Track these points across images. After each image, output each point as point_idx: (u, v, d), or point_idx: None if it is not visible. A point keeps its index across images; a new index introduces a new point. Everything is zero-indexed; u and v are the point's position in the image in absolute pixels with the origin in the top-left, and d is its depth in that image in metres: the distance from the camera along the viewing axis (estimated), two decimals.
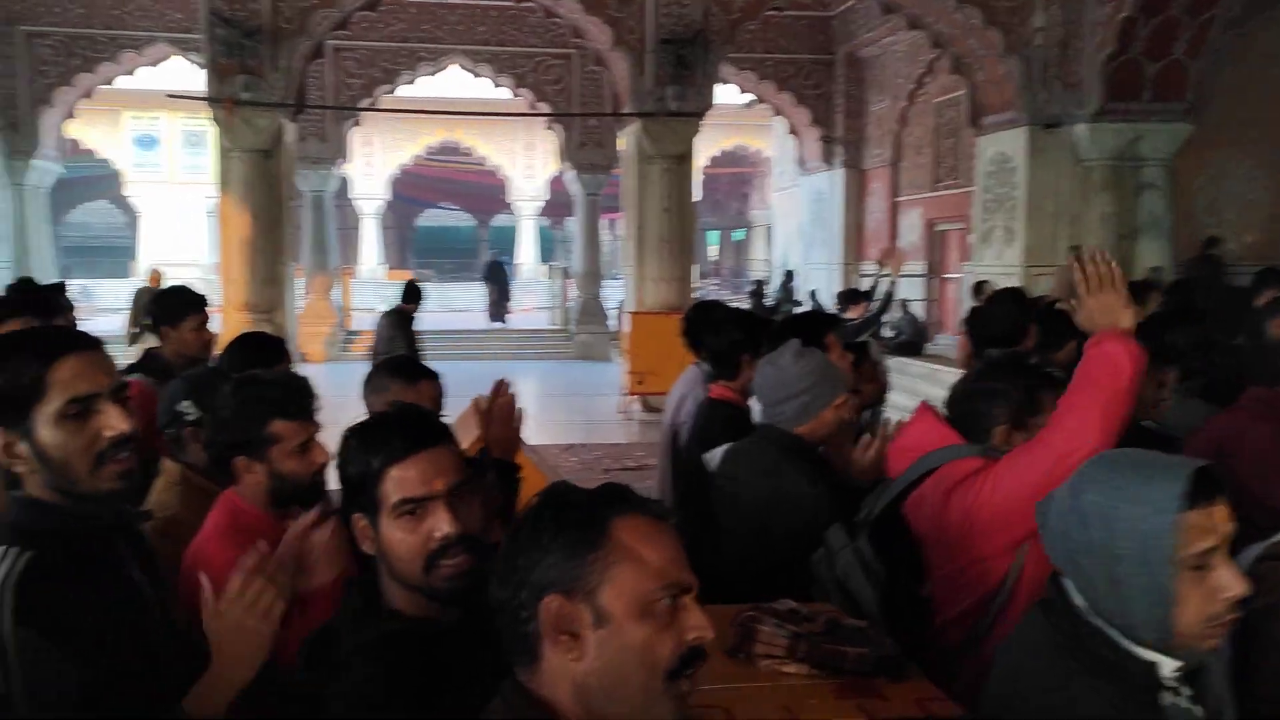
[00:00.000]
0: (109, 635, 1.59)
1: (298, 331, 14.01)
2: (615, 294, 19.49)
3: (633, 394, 12.70)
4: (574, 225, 22.62)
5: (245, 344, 3.50)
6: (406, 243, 40.78)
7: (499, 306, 22.66)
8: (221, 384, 2.71)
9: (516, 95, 18.06)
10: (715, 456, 3.16)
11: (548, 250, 36.05)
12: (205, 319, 3.97)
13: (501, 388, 2.67)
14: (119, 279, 27.43)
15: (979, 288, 10.68)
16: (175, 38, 15.89)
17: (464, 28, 17.11)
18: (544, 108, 17.79)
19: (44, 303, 3.88)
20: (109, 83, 16.96)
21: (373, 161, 26.67)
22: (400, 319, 9.06)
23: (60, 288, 5.28)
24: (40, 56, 15.86)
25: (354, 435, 1.69)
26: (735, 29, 12.44)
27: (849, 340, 3.79)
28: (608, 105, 16.75)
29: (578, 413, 13.17)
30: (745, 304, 16.16)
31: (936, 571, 2.36)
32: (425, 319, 24.30)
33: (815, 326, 3.46)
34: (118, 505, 1.70)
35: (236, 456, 2.19)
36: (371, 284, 27.48)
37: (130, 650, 1.63)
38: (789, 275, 18.76)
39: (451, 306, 27.49)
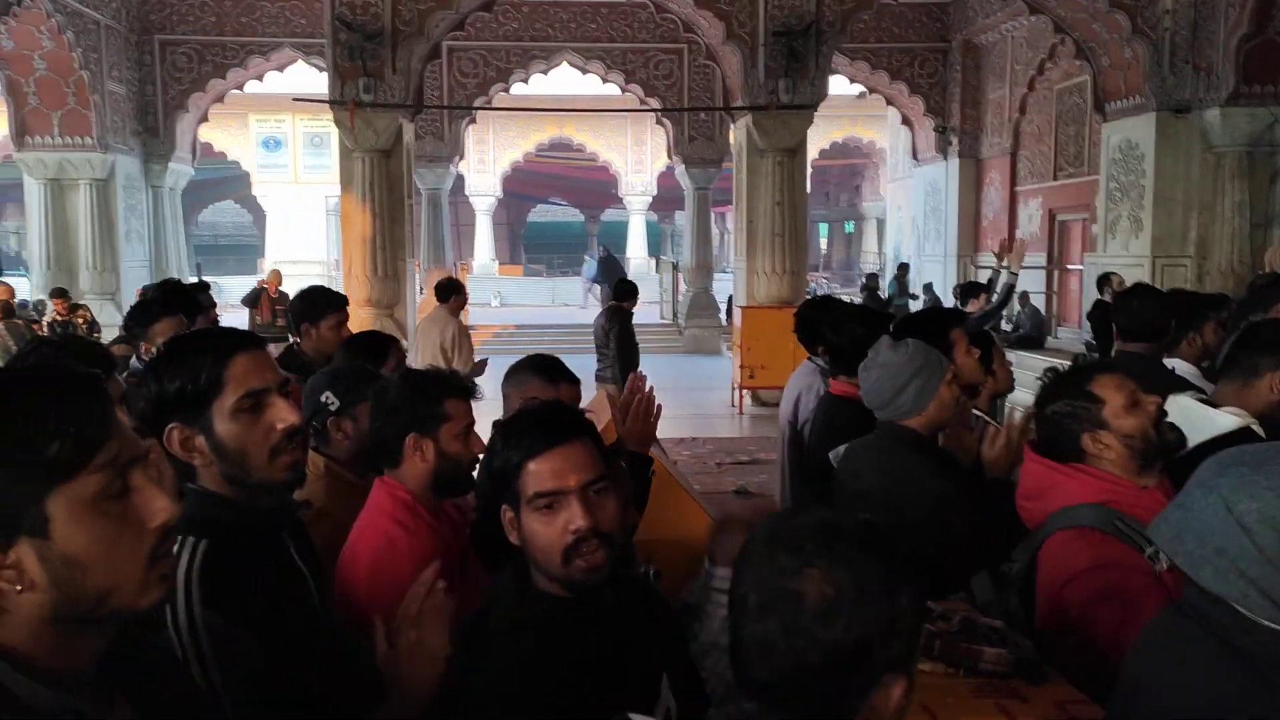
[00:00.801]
0: (279, 619, 1.68)
1: (417, 326, 14.36)
2: (724, 287, 19.46)
3: (744, 388, 12.68)
4: (682, 219, 22.61)
5: (357, 343, 3.67)
6: (517, 238, 41.41)
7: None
8: (362, 377, 2.84)
9: (626, 91, 18.18)
10: (838, 452, 3.15)
11: (655, 244, 36.18)
12: (344, 318, 4.14)
13: (637, 383, 2.72)
14: (246, 276, 28.56)
15: (1105, 280, 10.32)
16: (300, 43, 16.48)
17: (575, 25, 17.29)
18: (654, 103, 17.86)
19: (190, 302, 4.09)
20: (239, 88, 17.67)
21: (486, 159, 27.17)
22: (618, 315, 9.12)
23: (204, 287, 5.56)
24: (175, 64, 16.63)
25: (499, 430, 1.74)
26: (849, 20, 12.29)
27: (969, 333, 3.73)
28: (718, 99, 16.73)
29: (688, 406, 13.19)
30: (857, 297, 15.98)
31: (1057, 625, 2.26)
32: (537, 313, 24.63)
33: (939, 323, 3.41)
34: (286, 495, 1.80)
35: (407, 435, 2.28)
36: (484, 279, 28.02)
37: (297, 633, 1.73)
38: (903, 268, 18.40)
39: (563, 301, 27.85)
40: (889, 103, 18.55)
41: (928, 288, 17.15)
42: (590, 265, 28.68)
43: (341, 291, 4.38)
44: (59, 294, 10.83)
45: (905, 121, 18.65)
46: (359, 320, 11.84)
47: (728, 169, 16.26)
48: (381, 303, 12.28)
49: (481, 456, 2.36)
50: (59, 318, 10.39)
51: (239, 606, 1.60)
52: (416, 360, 7.91)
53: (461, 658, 1.64)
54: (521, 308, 26.63)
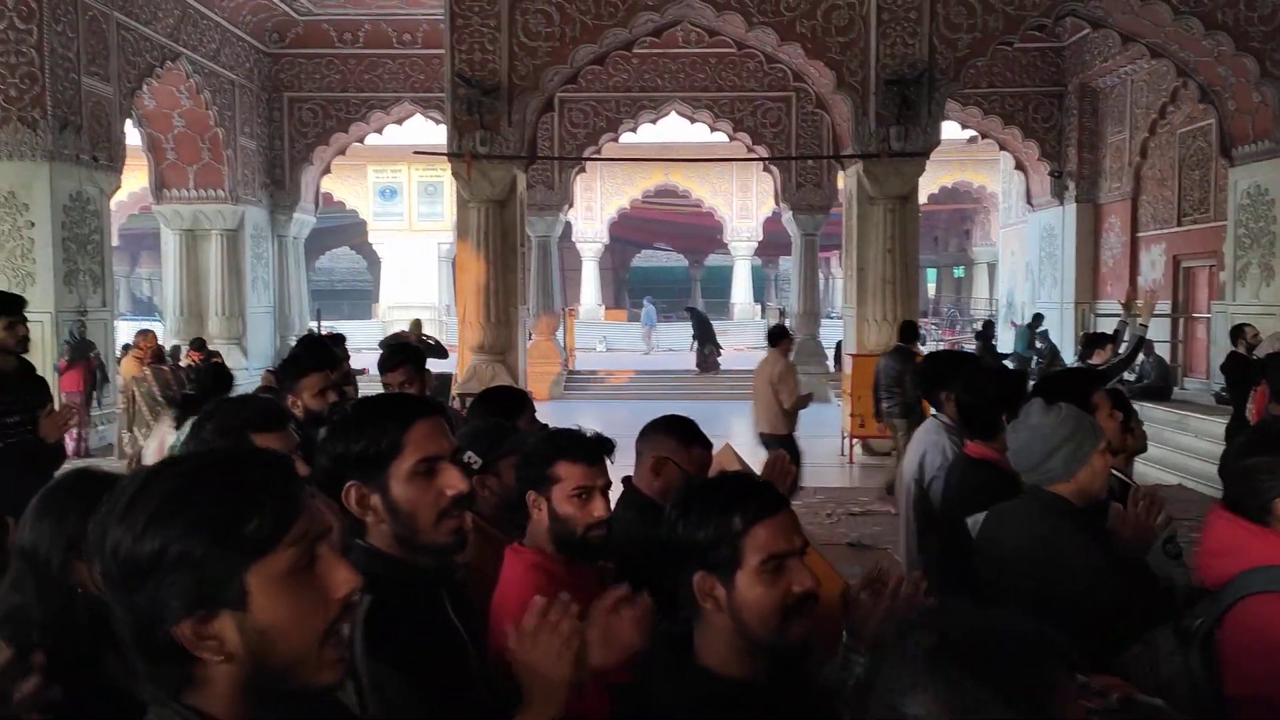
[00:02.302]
0: (437, 673, 1.74)
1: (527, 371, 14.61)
2: (830, 334, 19.29)
3: (854, 436, 12.52)
4: (786, 264, 22.54)
5: (490, 398, 3.68)
6: (621, 283, 41.79)
7: (704, 357, 21.55)
8: (500, 433, 2.91)
9: (734, 139, 18.29)
10: (977, 519, 3.09)
11: (759, 289, 36.10)
12: (410, 376, 4.29)
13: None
14: (360, 320, 29.44)
15: (1239, 331, 9.89)
16: (418, 97, 17.11)
17: (684, 75, 17.52)
18: (761, 150, 17.94)
19: (331, 357, 4.25)
20: (361, 140, 18.38)
21: (593, 206, 27.61)
22: (905, 357, 9.62)
23: (340, 339, 5.77)
24: (301, 119, 17.42)
25: (701, 498, 1.75)
26: (962, 67, 12.17)
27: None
28: (826, 146, 16.73)
29: None
30: (954, 343, 15.64)
31: (1255, 695, 2.17)
32: (644, 359, 24.57)
33: (1081, 385, 3.35)
34: (449, 557, 1.86)
35: (527, 491, 2.34)
36: (590, 324, 28.36)
37: (455, 686, 1.79)
38: (1038, 319, 17.22)
39: (668, 347, 28.00)
40: (1002, 147, 18.28)
41: (1044, 335, 16.67)
42: (649, 311, 29.01)
43: (413, 348, 4.63)
44: (198, 345, 11.43)
45: (1019, 166, 18.34)
46: (473, 366, 12.14)
47: (835, 214, 16.19)
48: (495, 348, 12.53)
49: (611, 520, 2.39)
50: (193, 363, 10.90)
51: (399, 659, 1.66)
52: (752, 394, 9.23)
53: None
54: (625, 353, 26.86)
